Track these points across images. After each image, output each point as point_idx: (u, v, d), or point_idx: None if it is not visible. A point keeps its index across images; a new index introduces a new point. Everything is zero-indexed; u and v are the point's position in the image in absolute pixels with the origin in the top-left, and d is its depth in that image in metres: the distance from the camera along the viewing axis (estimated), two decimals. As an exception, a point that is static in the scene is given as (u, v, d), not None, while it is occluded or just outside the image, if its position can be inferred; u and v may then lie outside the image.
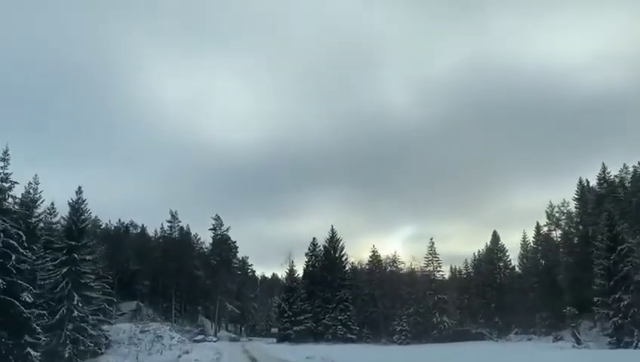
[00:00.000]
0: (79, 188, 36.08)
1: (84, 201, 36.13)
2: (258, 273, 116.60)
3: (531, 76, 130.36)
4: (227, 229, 77.18)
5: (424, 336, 67.26)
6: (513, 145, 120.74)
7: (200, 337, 64.94)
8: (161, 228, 75.73)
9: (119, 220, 79.22)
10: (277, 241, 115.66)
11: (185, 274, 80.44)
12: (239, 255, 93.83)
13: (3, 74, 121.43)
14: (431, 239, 71.61)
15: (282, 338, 66.16)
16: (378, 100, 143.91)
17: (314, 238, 75.30)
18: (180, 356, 37.12)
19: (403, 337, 65.64)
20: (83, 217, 36.37)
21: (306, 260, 74.40)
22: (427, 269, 71.53)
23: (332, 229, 72.74)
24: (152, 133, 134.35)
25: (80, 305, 31.05)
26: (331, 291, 69.15)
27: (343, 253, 71.69)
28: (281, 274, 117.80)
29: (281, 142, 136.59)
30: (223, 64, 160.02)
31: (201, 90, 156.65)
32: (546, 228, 70.22)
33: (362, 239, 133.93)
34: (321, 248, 74.62)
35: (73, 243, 33.73)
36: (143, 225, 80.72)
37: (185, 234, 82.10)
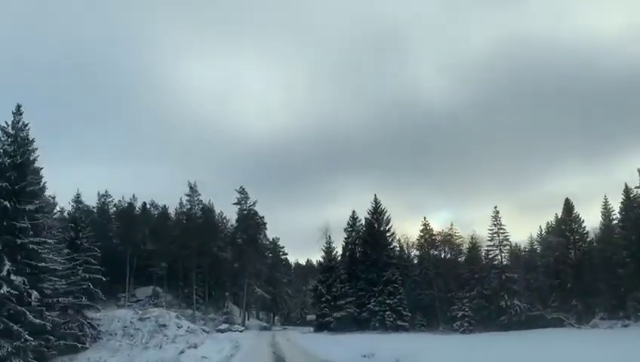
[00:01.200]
0: (18, 107, 25.42)
1: (26, 126, 25.54)
2: (291, 260, 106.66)
3: (571, 52, 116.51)
4: (254, 203, 67.23)
5: (490, 323, 55.71)
6: (553, 125, 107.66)
7: (224, 326, 55.38)
8: (180, 202, 66.33)
9: (133, 196, 70.30)
10: (309, 228, 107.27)
11: (208, 255, 71.12)
12: (269, 235, 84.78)
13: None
14: (495, 208, 59.74)
15: (320, 326, 55.76)
16: (412, 84, 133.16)
17: (353, 211, 64.58)
18: (182, 351, 27.12)
19: (466, 324, 54.24)
20: (26, 149, 25.60)
21: (345, 237, 63.77)
22: (491, 244, 59.71)
23: (375, 199, 61.75)
24: (181, 121, 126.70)
25: (14, 277, 21.04)
26: (376, 271, 58.26)
27: (390, 226, 60.62)
28: (316, 259, 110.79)
29: (312, 129, 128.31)
30: (254, 51, 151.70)
31: (231, 79, 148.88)
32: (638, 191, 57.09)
33: (397, 224, 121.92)
34: (362, 222, 63.82)
35: (4, 184, 23.52)
36: (164, 206, 71.70)
37: (207, 210, 72.54)
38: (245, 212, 66.87)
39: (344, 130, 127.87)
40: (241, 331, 54.81)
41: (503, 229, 59.20)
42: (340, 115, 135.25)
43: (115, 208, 68.59)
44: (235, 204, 66.95)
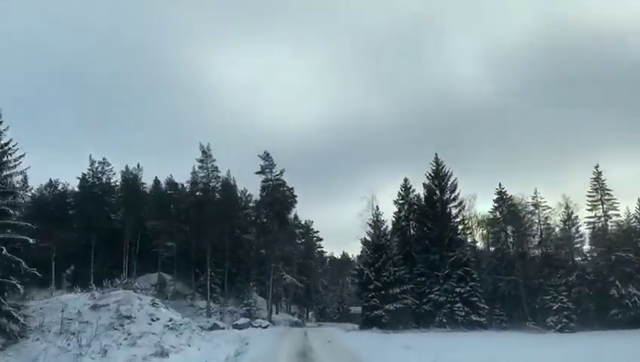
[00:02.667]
0: None
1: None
2: (326, 253, 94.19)
3: (618, 39, 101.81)
4: (281, 172, 54.30)
5: (597, 318, 41.45)
6: (597, 116, 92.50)
7: (243, 321, 42.87)
8: (192, 171, 54.03)
9: (138, 165, 58.65)
10: (343, 222, 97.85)
11: (228, 237, 58.88)
12: (301, 216, 72.01)
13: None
14: (596, 168, 45.14)
15: (367, 322, 42.50)
16: (446, 73, 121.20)
17: (405, 180, 50.81)
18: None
19: (564, 320, 39.99)
20: None
21: (395, 211, 50.14)
22: (592, 216, 45.13)
23: (436, 159, 47.78)
24: (211, 117, 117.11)
25: None
26: (440, 251, 44.62)
27: (456, 193, 46.67)
28: (352, 253, 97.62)
29: (343, 119, 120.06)
30: (284, 42, 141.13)
31: (261, 70, 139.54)
32: None
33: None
34: (417, 193, 50.14)
35: None
36: (170, 175, 59.77)
37: (227, 184, 60.32)
38: (271, 183, 54.12)
39: (374, 118, 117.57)
40: (264, 327, 42.13)
41: (609, 194, 44.49)
42: (371, 104, 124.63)
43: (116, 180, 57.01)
44: (258, 173, 54.29)
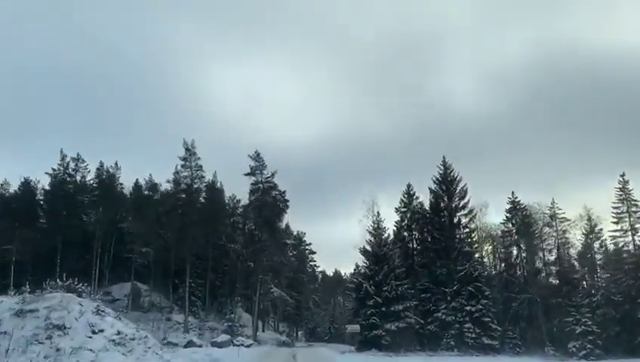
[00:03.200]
0: None
1: None
2: (319, 268, 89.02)
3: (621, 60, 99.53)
4: (272, 174, 49.46)
5: (623, 344, 36.65)
6: (596, 141, 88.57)
7: (224, 339, 37.48)
8: (175, 171, 49.01)
9: (116, 163, 53.66)
10: (336, 239, 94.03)
11: (212, 245, 53.78)
12: (293, 227, 67.08)
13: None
14: (622, 176, 40.77)
15: (366, 343, 37.39)
16: (444, 90, 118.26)
17: (408, 185, 46.24)
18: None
19: (589, 346, 35.14)
20: None
21: (397, 220, 45.42)
22: (618, 229, 40.62)
23: (444, 163, 43.24)
24: (205, 132, 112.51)
25: None
26: (447, 264, 39.85)
27: (466, 200, 42.05)
28: (345, 271, 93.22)
29: (338, 135, 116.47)
30: (278, 57, 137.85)
31: (254, 85, 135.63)
32: None
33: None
34: (421, 201, 45.54)
35: None
36: (150, 176, 54.75)
37: (212, 187, 55.45)
38: (261, 185, 49.24)
39: (370, 137, 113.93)
40: (247, 346, 36.87)
41: (636, 206, 40.05)
42: (367, 121, 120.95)
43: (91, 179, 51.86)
44: (247, 174, 49.38)
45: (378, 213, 41.42)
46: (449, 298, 38.39)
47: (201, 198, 52.01)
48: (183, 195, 48.17)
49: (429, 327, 37.97)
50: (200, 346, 35.58)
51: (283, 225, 51.15)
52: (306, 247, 75.16)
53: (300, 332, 76.98)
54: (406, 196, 46.01)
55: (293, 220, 61.49)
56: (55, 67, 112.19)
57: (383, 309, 37.35)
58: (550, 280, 40.74)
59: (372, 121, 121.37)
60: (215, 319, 50.14)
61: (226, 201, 60.09)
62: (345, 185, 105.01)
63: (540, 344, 37.66)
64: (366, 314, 37.66)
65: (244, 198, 51.62)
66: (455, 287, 38.32)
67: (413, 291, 38.83)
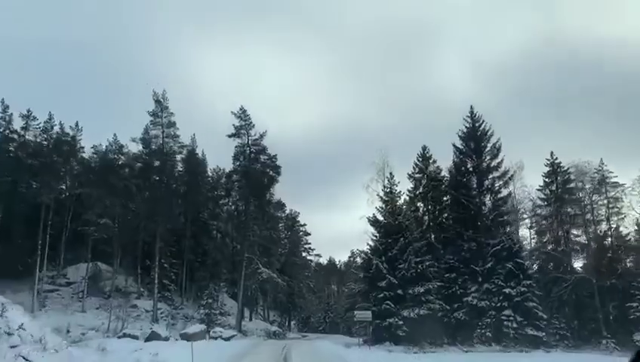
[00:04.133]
0: None
1: None
2: (314, 250, 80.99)
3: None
4: (261, 136, 41.38)
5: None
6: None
7: (197, 329, 29.47)
8: (145, 130, 40.56)
9: (77, 124, 45.01)
10: (329, 228, 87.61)
11: (190, 221, 45.74)
12: (287, 205, 59.05)
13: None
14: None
15: (378, 334, 29.40)
16: (436, 83, 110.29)
17: (424, 147, 38.40)
18: None
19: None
20: None
21: (410, 187, 37.50)
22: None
23: (472, 113, 35.13)
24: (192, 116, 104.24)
25: None
26: (477, 237, 32.07)
27: (499, 159, 33.94)
28: (339, 259, 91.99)
29: (334, 128, 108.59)
30: (270, 47, 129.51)
31: (248, 75, 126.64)
32: None
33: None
34: (438, 166, 37.76)
35: None
36: (115, 135, 46.12)
37: (192, 153, 47.21)
38: (247, 149, 41.13)
39: (363, 129, 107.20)
40: (227, 339, 29.04)
41: None
42: (359, 114, 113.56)
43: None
44: (231, 135, 41.19)
45: (391, 174, 33.56)
46: (480, 278, 30.63)
47: (178, 166, 43.95)
48: (155, 160, 39.92)
49: (456, 315, 30.18)
50: (166, 339, 27.71)
51: (274, 196, 43.11)
52: (300, 228, 67.20)
53: (292, 322, 69.22)
54: (420, 160, 38.11)
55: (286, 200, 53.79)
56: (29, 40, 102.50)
57: (399, 292, 29.51)
58: (602, 256, 32.91)
59: (370, 110, 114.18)
60: (193, 306, 42.27)
61: (209, 174, 51.97)
62: (338, 175, 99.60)
63: (595, 335, 30.08)
64: (377, 298, 29.77)
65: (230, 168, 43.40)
66: (488, 265, 30.56)
67: (436, 269, 30.94)
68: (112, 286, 40.44)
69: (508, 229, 32.06)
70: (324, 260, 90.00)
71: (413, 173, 37.94)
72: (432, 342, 27.56)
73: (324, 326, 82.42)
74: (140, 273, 41.48)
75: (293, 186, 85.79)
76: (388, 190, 33.03)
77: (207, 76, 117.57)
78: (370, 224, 32.62)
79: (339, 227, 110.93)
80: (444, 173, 37.42)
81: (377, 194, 33.29)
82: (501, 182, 33.20)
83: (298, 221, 66.16)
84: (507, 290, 29.16)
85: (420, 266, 29.76)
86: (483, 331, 28.66)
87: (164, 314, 38.94)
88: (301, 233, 67.65)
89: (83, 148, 44.72)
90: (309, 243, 69.27)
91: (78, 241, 41.52)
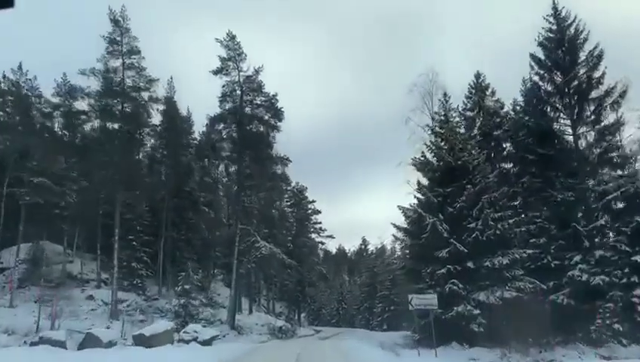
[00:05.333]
0: None
1: None
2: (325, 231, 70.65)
3: None
4: (257, 71, 30.95)
5: None
6: None
7: (160, 328, 19.13)
8: (103, 66, 30.05)
9: (19, 67, 34.48)
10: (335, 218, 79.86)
11: (170, 189, 35.61)
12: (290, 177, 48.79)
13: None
14: None
15: (438, 332, 18.76)
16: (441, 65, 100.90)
17: (477, 74, 27.98)
18: None
19: None
20: None
21: (464, 105, 27.16)
22: None
23: (554, 8, 24.23)
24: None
25: None
26: (573, 185, 21.54)
27: (600, 72, 22.87)
28: (350, 247, 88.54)
29: (332, 117, 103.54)
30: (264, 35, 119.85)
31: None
32: None
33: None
34: (499, 98, 27.43)
35: None
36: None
37: (170, 103, 36.94)
38: (238, 87, 30.75)
39: (360, 117, 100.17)
40: (205, 342, 18.77)
41: None
42: (356, 103, 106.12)
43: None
44: (216, 72, 30.76)
45: (445, 95, 23.13)
46: (587, 242, 20.17)
47: (151, 113, 33.57)
48: (113, 99, 29.49)
49: (554, 298, 19.73)
50: (112, 344, 17.61)
51: (276, 150, 32.59)
52: (308, 205, 56.86)
53: (302, 315, 59.21)
54: (474, 92, 27.63)
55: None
56: None
57: (469, 265, 19.11)
58: None
59: (367, 97, 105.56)
60: (173, 294, 32.05)
61: (197, 136, 41.53)
62: (340, 165, 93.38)
63: None
64: (435, 275, 19.35)
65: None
66: (599, 222, 20.12)
67: (523, 231, 20.45)
68: (63, 272, 30.32)
69: (625, 171, 21.39)
70: (332, 248, 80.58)
71: (464, 109, 27.53)
72: (535, 342, 17.14)
73: (337, 318, 72.85)
74: (100, 255, 31.20)
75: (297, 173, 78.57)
76: (442, 117, 22.45)
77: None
78: (417, 168, 22.08)
79: (348, 214, 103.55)
80: (507, 107, 27.29)
81: (426, 126, 22.81)
82: (605, 105, 22.50)
83: (306, 196, 55.98)
84: (638, 258, 18.69)
85: (500, 226, 19.29)
86: (607, 322, 18.19)
87: (132, 308, 28.85)
88: (310, 211, 57.31)
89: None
90: (320, 223, 58.61)
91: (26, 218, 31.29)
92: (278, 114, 31.13)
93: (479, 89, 27.76)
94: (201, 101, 78.66)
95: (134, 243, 31.20)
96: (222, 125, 31.02)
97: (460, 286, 18.78)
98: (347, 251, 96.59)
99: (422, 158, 21.90)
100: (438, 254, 19.43)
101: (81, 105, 32.28)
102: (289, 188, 53.43)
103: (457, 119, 22.54)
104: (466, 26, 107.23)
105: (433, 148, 21.89)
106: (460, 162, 20.76)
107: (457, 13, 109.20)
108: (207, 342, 18.46)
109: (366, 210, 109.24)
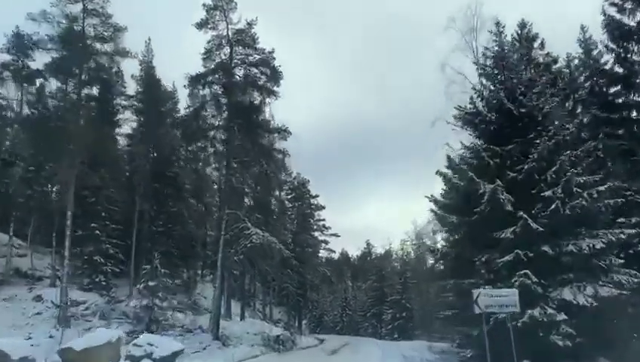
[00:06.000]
0: None
1: None
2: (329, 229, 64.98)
3: None
4: (249, 24, 25.26)
5: None
6: None
7: (99, 340, 13.13)
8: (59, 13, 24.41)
9: None
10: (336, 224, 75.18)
11: (141, 169, 29.91)
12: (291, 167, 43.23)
13: None
14: None
15: (499, 345, 12.84)
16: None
17: (522, 24, 22.23)
18: None
19: None
20: None
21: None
22: None
23: None
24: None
25: None
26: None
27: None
28: (353, 253, 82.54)
29: (332, 120, 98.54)
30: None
31: None
32: None
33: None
34: (546, 53, 21.73)
35: None
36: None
37: (149, 73, 31.37)
38: (224, 42, 25.08)
39: (360, 121, 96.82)
40: (164, 360, 12.99)
41: None
42: (355, 106, 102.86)
43: None
44: (201, 25, 25.08)
45: (498, 23, 17.18)
46: None
47: (120, 73, 27.91)
48: (70, 51, 23.68)
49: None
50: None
51: (271, 119, 26.65)
52: (310, 200, 51.11)
53: (303, 322, 53.37)
54: (518, 44, 21.84)
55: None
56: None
57: (546, 250, 13.24)
58: None
59: (356, 99, 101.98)
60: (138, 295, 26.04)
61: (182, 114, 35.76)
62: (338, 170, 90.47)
63: None
64: (492, 264, 13.52)
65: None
66: None
67: (611, 205, 14.57)
68: (8, 267, 24.48)
69: None
70: (336, 253, 75.13)
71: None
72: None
73: (340, 325, 67.08)
74: (55, 247, 25.32)
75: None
76: (494, 54, 16.59)
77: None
78: (463, 123, 16.20)
79: (350, 219, 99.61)
80: (561, 63, 21.74)
81: (476, 64, 16.97)
82: None
83: (308, 190, 50.24)
84: None
85: (587, 195, 13.46)
86: None
87: (91, 311, 22.99)
88: (312, 206, 51.52)
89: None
90: (323, 220, 52.67)
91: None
92: (275, 75, 25.37)
93: (526, 39, 22.10)
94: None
95: (98, 232, 25.36)
96: (206, 88, 25.21)
97: (534, 279, 12.89)
98: (350, 256, 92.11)
99: (469, 109, 16.02)
100: (500, 235, 13.59)
101: (37, 64, 26.62)
102: (289, 179, 48.10)
103: (515, 55, 16.65)
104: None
105: (484, 94, 16.06)
106: (523, 110, 14.94)
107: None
108: (165, 360, 12.64)
109: (368, 214, 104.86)
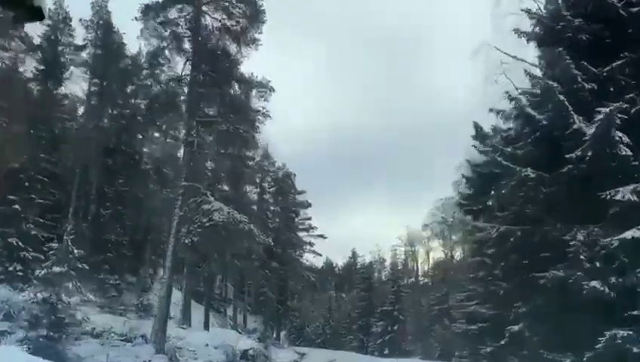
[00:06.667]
0: None
1: None
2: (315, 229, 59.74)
3: None
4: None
5: None
6: None
7: None
8: None
9: None
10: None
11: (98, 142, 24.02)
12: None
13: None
14: None
15: None
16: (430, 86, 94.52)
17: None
18: None
19: None
20: None
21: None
22: None
23: None
24: None
25: None
26: None
27: None
28: (337, 263, 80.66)
29: (316, 137, 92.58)
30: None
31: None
32: None
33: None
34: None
35: None
36: None
37: (106, 27, 25.60)
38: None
39: (352, 136, 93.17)
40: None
41: None
42: (344, 122, 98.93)
43: None
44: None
45: None
46: None
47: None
48: None
49: None
50: None
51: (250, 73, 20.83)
52: (295, 194, 45.81)
53: (282, 333, 47.55)
54: None
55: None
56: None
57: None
58: None
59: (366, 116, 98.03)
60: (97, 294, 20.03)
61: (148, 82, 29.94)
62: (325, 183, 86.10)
63: None
64: (594, 244, 7.88)
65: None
66: None
67: None
68: None
69: None
70: (321, 258, 70.04)
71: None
72: None
73: (322, 338, 61.40)
74: None
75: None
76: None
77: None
78: (531, 37, 10.65)
79: (335, 230, 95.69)
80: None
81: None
82: None
83: (293, 185, 44.95)
84: None
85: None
86: None
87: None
88: (297, 203, 46.08)
89: None
90: (309, 218, 47.17)
91: None
92: (256, 14, 19.71)
93: None
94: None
95: (17, 206, 19.30)
96: (166, 28, 19.39)
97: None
98: (335, 265, 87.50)
99: (547, 10, 10.50)
100: (613, 196, 7.98)
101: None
102: (272, 169, 42.89)
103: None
104: None
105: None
106: (634, 9, 9.45)
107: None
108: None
109: (355, 225, 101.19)
